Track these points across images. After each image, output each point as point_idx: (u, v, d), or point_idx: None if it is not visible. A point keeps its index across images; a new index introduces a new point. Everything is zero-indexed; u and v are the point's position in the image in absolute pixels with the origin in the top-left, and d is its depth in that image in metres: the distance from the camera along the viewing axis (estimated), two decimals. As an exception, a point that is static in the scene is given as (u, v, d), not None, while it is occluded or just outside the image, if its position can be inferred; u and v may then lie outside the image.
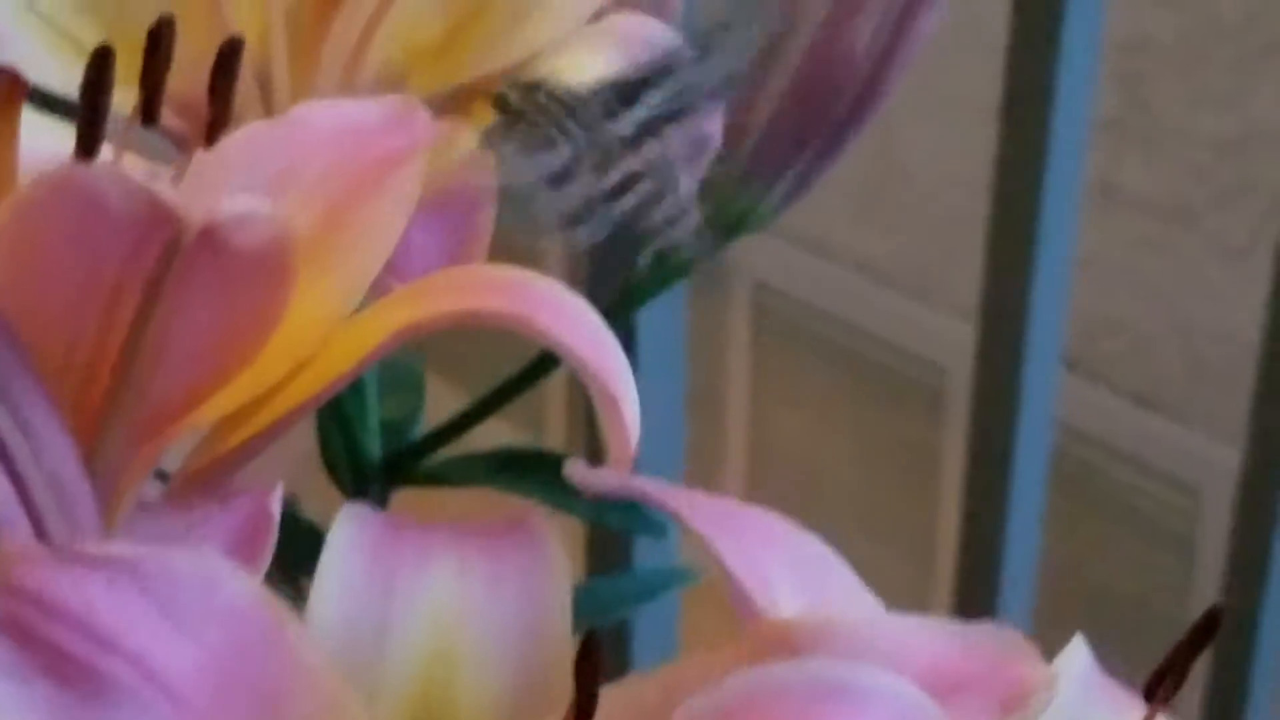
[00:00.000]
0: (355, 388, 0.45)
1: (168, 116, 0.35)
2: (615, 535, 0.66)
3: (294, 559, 0.31)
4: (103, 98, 0.29)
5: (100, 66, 0.29)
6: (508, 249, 0.35)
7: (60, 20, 0.39)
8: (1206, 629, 0.26)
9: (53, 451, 0.28)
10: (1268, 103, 1.15)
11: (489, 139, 0.35)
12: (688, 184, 0.36)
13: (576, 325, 0.29)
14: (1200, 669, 0.28)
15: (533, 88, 0.35)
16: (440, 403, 0.52)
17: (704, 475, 1.46)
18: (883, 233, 1.36)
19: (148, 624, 0.25)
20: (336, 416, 0.47)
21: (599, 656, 0.26)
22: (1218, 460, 1.18)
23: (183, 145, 0.38)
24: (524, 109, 0.35)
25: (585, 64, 0.37)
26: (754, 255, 1.40)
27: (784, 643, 0.26)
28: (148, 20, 0.33)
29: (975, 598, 0.86)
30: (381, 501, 0.48)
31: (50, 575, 0.25)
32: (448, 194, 0.34)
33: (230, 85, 0.32)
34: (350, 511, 0.30)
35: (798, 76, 0.41)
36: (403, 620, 0.29)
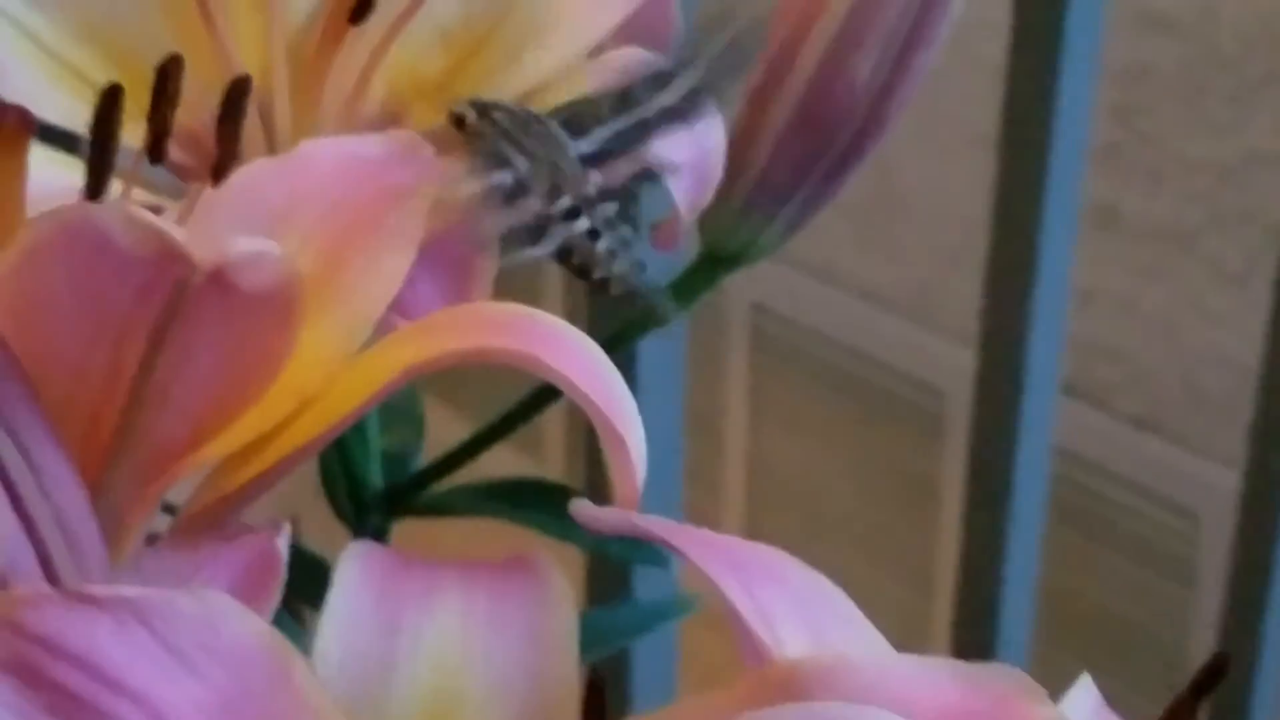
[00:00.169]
0: (357, 419, 0.45)
1: (172, 149, 0.35)
2: (615, 564, 0.66)
3: (295, 587, 0.31)
4: (111, 136, 0.29)
5: (109, 105, 0.30)
6: (507, 283, 0.35)
7: (63, 53, 0.39)
8: (1212, 673, 0.26)
9: (59, 489, 0.28)
10: (1265, 131, 1.15)
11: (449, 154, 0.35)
12: (633, 218, 0.36)
13: (582, 364, 0.29)
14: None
15: (489, 106, 0.35)
16: (441, 428, 0.52)
17: (702, 498, 1.46)
18: (882, 257, 1.36)
19: (154, 664, 0.25)
20: (338, 447, 0.47)
21: (605, 699, 0.26)
22: (1217, 484, 1.18)
23: (186, 176, 0.38)
24: (480, 128, 0.35)
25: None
26: (752, 279, 1.40)
27: (789, 684, 0.26)
28: (151, 52, 0.34)
29: (974, 622, 0.86)
30: (382, 531, 0.48)
31: (57, 616, 0.25)
32: (452, 230, 0.34)
33: (237, 124, 0.32)
34: (356, 549, 0.30)
35: (799, 110, 0.41)
36: (408, 659, 0.29)
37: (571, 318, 0.31)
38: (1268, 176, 1.16)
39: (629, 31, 0.39)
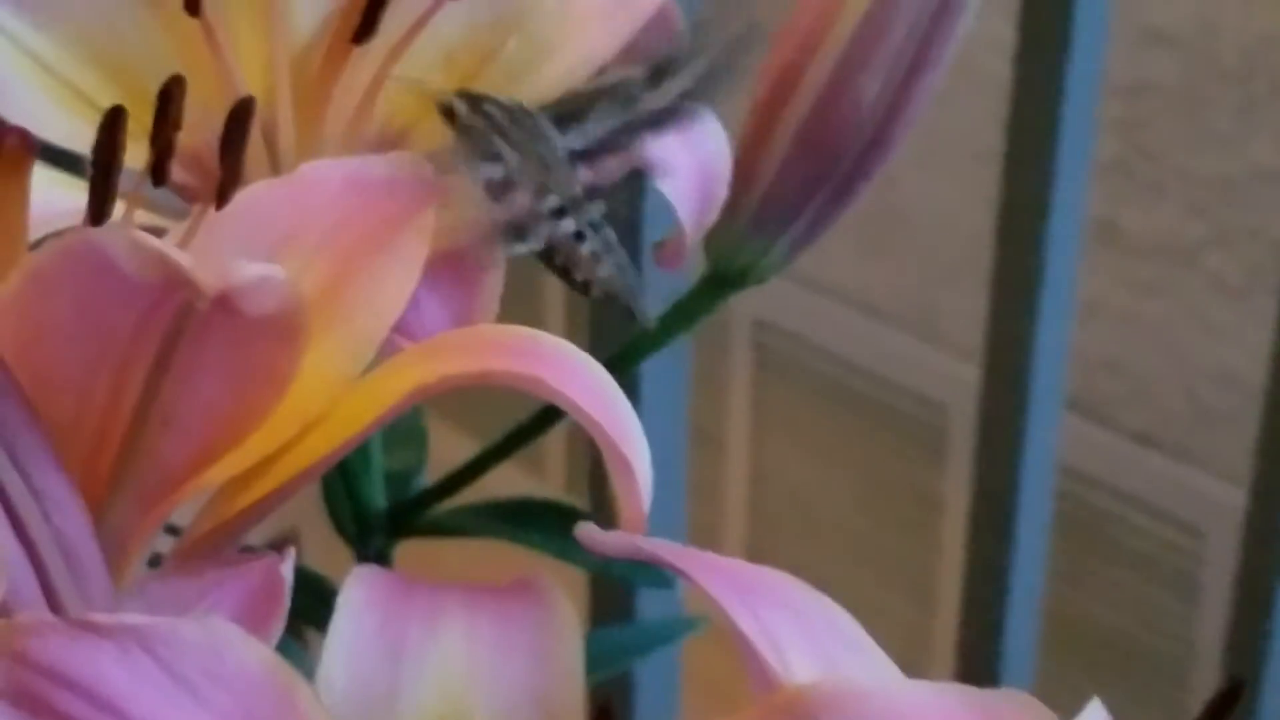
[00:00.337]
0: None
1: (175, 171, 0.35)
2: (619, 585, 0.66)
3: (298, 609, 0.31)
4: (115, 160, 0.29)
5: (112, 129, 0.29)
6: (509, 304, 0.35)
7: (67, 74, 0.39)
8: (1227, 700, 0.26)
9: (62, 514, 0.28)
10: (1267, 146, 1.15)
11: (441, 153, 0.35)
12: (632, 219, 0.36)
13: (587, 386, 0.29)
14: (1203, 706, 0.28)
15: (480, 99, 0.35)
16: (445, 448, 0.52)
17: (705, 514, 1.45)
18: (884, 271, 1.36)
19: (158, 692, 0.25)
20: (341, 468, 0.47)
21: (613, 723, 0.26)
22: (1222, 500, 1.18)
23: (190, 197, 0.38)
24: (470, 121, 0.35)
25: None
26: (754, 295, 1.40)
27: (797, 710, 0.26)
28: (154, 73, 0.33)
29: (979, 640, 0.85)
30: (385, 552, 0.48)
31: (60, 644, 0.25)
32: (456, 251, 0.34)
33: (241, 147, 0.32)
34: (360, 573, 0.30)
35: (805, 130, 0.41)
36: (413, 683, 0.29)
37: (573, 338, 0.31)
38: (1270, 191, 1.15)
39: (633, 51, 0.39)
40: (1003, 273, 0.78)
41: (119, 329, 0.27)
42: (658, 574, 0.47)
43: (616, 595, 0.67)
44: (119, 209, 0.32)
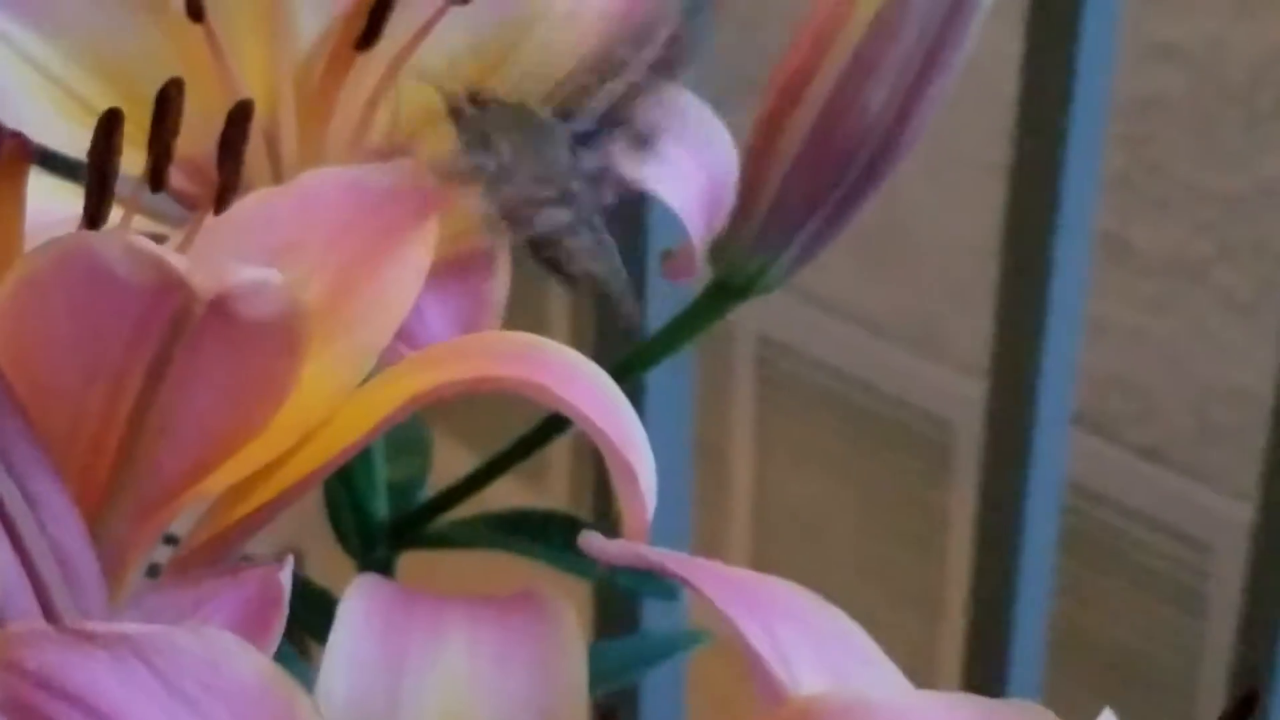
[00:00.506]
0: (362, 450, 0.45)
1: (175, 178, 0.35)
2: (623, 597, 0.66)
3: (299, 620, 0.31)
4: (111, 164, 0.29)
5: (108, 132, 0.29)
6: (512, 312, 0.35)
7: (66, 80, 0.39)
8: (1240, 711, 0.26)
9: (58, 523, 0.28)
10: (1276, 161, 1.15)
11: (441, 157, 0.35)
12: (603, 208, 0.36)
13: (592, 393, 0.29)
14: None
15: (484, 98, 0.35)
16: (448, 459, 0.51)
17: (709, 529, 1.45)
18: (888, 287, 1.36)
19: (153, 703, 0.24)
20: (343, 478, 0.46)
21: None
22: (1229, 516, 1.18)
23: (190, 205, 0.38)
24: (472, 117, 0.35)
25: None
26: (758, 310, 1.40)
27: (806, 722, 0.25)
28: (156, 81, 0.33)
29: (985, 656, 0.85)
30: (388, 563, 0.48)
31: (54, 654, 0.24)
32: (460, 259, 0.34)
33: (240, 151, 0.32)
34: (361, 584, 0.30)
35: (812, 138, 0.40)
36: (414, 696, 0.29)
37: (577, 348, 0.30)
38: (1278, 207, 1.15)
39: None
40: (1009, 288, 0.78)
41: (114, 334, 0.27)
42: (662, 585, 0.47)
43: (620, 607, 0.66)
44: (117, 214, 0.32)
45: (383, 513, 0.47)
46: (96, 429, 0.28)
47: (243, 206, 0.31)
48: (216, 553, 0.30)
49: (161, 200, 0.35)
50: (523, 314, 0.35)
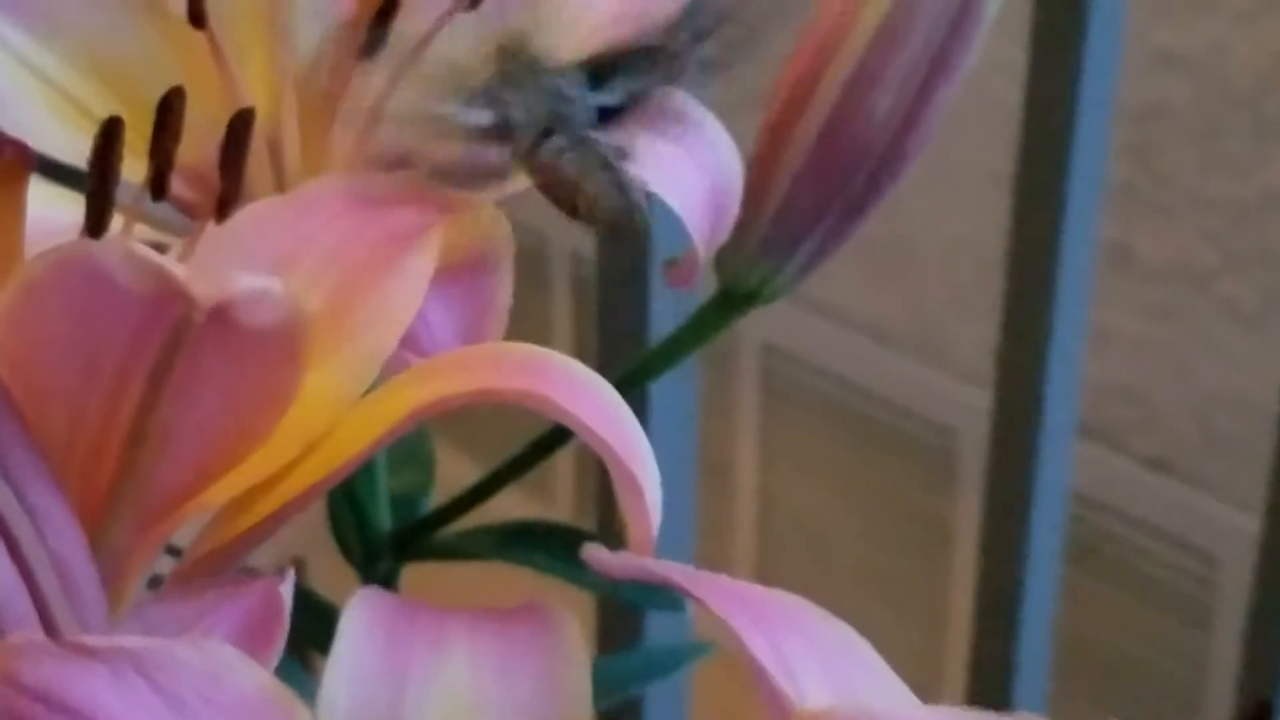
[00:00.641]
0: (365, 461, 0.45)
1: (178, 186, 0.35)
2: (627, 609, 0.65)
3: (302, 633, 0.31)
4: (111, 171, 0.29)
5: (109, 139, 0.29)
6: (518, 322, 0.34)
7: (68, 87, 0.39)
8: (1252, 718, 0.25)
9: (57, 535, 0.28)
10: (1280, 168, 1.15)
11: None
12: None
13: (597, 406, 0.28)
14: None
15: (512, 51, 0.35)
16: (451, 470, 0.51)
17: (713, 539, 1.45)
18: (893, 295, 1.35)
19: (153, 717, 0.24)
20: (346, 490, 0.46)
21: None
22: (1236, 527, 1.17)
23: (192, 214, 0.38)
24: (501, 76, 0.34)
25: None
26: (763, 319, 1.40)
27: (813, 737, 0.25)
28: (156, 86, 0.33)
29: (990, 667, 0.85)
30: (391, 575, 0.47)
31: (53, 667, 0.24)
32: (464, 268, 0.34)
33: (242, 159, 0.31)
34: (363, 596, 0.29)
35: (817, 146, 0.40)
36: (416, 709, 0.28)
37: (581, 359, 0.30)
38: (1283, 215, 1.15)
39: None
40: (1014, 297, 0.78)
41: (114, 342, 0.27)
42: (666, 597, 0.47)
43: (625, 620, 0.66)
44: (118, 223, 0.32)
45: (386, 524, 0.47)
46: (97, 438, 0.28)
47: (245, 215, 0.31)
48: (219, 564, 0.30)
49: (163, 208, 0.35)
50: (526, 325, 0.34)
